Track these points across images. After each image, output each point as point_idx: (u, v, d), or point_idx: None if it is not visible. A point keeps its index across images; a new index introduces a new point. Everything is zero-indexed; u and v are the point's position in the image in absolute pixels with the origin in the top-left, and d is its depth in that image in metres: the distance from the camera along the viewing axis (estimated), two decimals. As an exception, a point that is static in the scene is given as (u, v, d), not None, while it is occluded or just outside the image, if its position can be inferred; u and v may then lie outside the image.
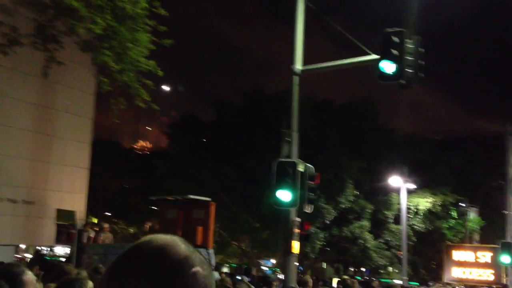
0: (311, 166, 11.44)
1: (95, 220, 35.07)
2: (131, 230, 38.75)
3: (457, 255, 25.53)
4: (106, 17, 10.36)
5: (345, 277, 31.71)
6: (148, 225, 36.07)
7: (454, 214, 30.98)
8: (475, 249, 25.64)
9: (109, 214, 39.55)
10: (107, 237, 19.61)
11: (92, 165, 18.49)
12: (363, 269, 31.57)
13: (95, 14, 10.39)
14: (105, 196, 36.35)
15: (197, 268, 1.08)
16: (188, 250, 1.10)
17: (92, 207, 32.08)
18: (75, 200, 17.89)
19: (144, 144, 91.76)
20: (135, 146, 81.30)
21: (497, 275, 23.73)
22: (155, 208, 25.85)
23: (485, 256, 24.49)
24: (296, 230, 11.60)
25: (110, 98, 11.41)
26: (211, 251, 18.38)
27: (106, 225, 19.21)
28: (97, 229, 19.09)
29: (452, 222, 31.15)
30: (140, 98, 11.30)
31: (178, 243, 1.10)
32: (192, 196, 15.64)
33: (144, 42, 11.00)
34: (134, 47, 10.91)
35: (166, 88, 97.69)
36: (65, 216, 17.68)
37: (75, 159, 17.67)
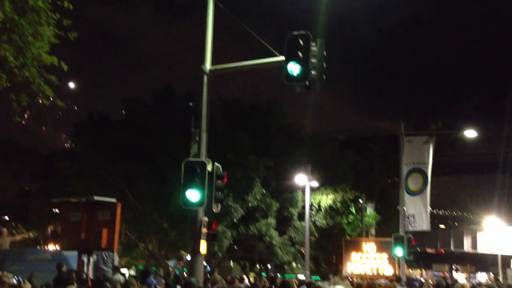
0: (219, 165, 11.61)
1: (-9, 224, 33.07)
2: (32, 235, 36.91)
3: (354, 248, 27.00)
4: (5, 9, 9.83)
5: (252, 274, 32.38)
6: (50, 228, 34.54)
7: (353, 209, 32.54)
8: (366, 242, 27.29)
9: (7, 218, 37.34)
10: (3, 242, 18.55)
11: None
12: (269, 266, 32.24)
13: (-7, 5, 9.81)
14: (3, 198, 34.35)
15: None
16: None
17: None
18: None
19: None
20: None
21: (390, 266, 25.48)
22: (58, 211, 24.79)
23: (373, 248, 26.23)
24: (204, 230, 11.71)
25: (10, 95, 10.81)
26: (115, 253, 17.96)
27: (4, 230, 18.16)
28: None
29: (351, 217, 32.72)
30: (43, 94, 10.82)
31: None
32: (96, 198, 15.15)
33: (47, 36, 10.54)
34: (36, 41, 10.42)
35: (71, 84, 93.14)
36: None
37: (-32, 160, 16.53)
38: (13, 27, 10.19)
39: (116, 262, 18.35)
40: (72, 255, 17.07)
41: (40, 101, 10.96)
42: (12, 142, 41.32)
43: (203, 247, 11.81)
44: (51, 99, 11.05)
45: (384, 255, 25.97)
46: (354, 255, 26.96)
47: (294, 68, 10.45)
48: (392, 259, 25.20)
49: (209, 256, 25.19)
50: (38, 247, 35.04)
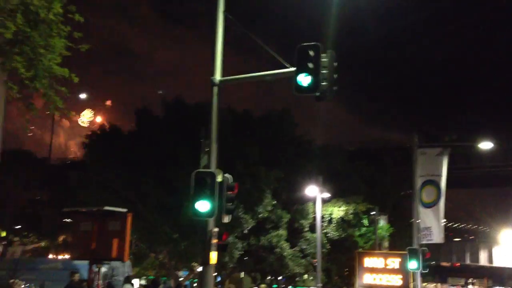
0: (229, 176, 11.54)
1: (4, 234, 33.21)
2: (43, 244, 37.03)
3: (368, 261, 26.62)
4: (17, 21, 9.89)
5: (262, 285, 32.18)
6: (61, 238, 34.75)
7: (366, 222, 32.28)
8: (385, 256, 26.83)
9: (19, 227, 37.59)
10: (15, 251, 18.70)
11: (0, 176, 17.58)
12: (279, 278, 32.04)
13: (5, 18, 9.90)
14: (15, 208, 34.57)
15: None
16: None
17: (0, 220, 30.42)
18: (-19, 213, 16.88)
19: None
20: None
21: (405, 280, 24.99)
22: (69, 221, 24.86)
23: (394, 262, 25.71)
24: (214, 241, 11.64)
25: (21, 106, 10.86)
26: (128, 263, 18.01)
27: (16, 239, 18.30)
28: (5, 243, 18.15)
29: (364, 229, 32.45)
30: (53, 106, 10.86)
31: None
32: (107, 208, 15.21)
33: (58, 48, 10.59)
34: (48, 53, 10.47)
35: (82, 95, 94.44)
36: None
37: (-20, 170, 16.68)
38: (24, 39, 10.23)
39: (130, 272, 18.40)
40: (82, 265, 17.12)
41: (50, 112, 11.01)
42: (23, 152, 41.66)
43: (213, 257, 11.72)
44: (62, 110, 11.10)
45: (398, 268, 25.60)
46: (367, 267, 26.62)
47: (304, 79, 10.39)
48: (406, 272, 24.83)
49: (220, 267, 25.09)
50: (49, 256, 35.20)
